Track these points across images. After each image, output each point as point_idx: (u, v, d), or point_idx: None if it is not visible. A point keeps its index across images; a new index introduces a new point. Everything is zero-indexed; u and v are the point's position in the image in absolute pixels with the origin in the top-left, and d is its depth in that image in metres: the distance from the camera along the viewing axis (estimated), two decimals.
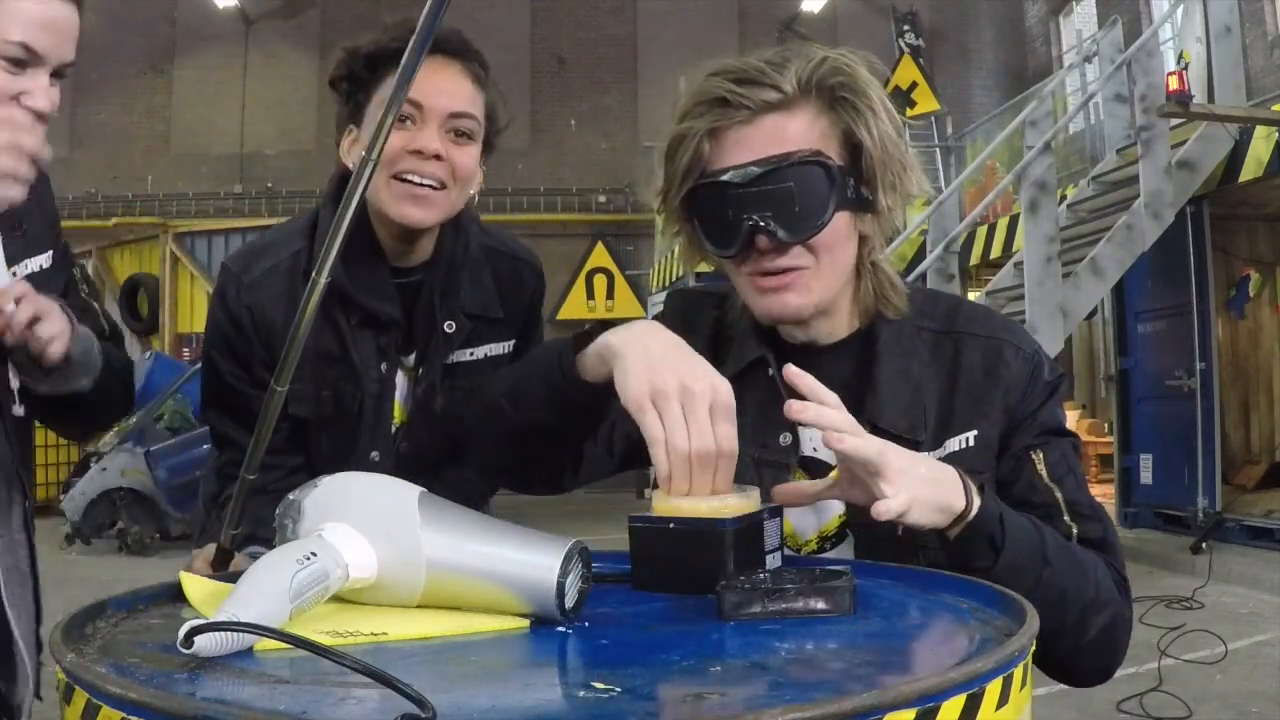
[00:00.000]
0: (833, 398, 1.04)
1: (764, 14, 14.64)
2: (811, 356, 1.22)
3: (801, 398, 1.03)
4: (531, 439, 1.21)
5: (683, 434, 0.99)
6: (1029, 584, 1.05)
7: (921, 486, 1.02)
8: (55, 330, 1.31)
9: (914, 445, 1.16)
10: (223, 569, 1.42)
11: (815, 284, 1.18)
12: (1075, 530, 1.17)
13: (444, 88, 1.49)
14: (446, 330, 1.60)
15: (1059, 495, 1.18)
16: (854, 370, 1.22)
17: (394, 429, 1.63)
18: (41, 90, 1.29)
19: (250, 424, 1.56)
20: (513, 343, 1.69)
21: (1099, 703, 4.09)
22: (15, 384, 1.39)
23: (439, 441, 1.65)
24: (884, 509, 0.99)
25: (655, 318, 1.35)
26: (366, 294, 1.55)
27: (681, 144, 1.16)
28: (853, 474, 1.05)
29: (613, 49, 14.81)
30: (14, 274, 1.39)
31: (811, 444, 1.23)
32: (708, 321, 1.31)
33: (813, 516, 1.23)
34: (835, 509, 1.22)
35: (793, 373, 1.04)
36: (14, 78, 1.27)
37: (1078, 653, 1.14)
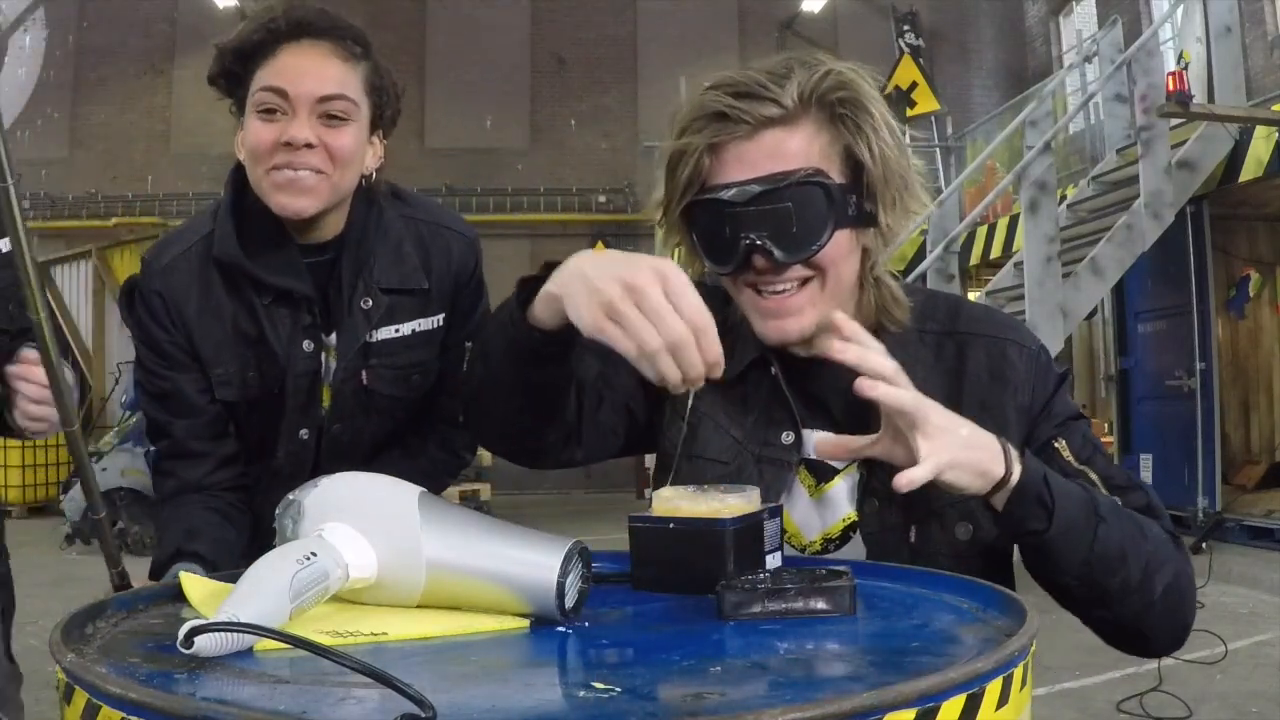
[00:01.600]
0: (876, 345, 1.05)
1: (764, 14, 14.62)
2: (814, 366, 1.22)
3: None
4: (507, 398, 1.19)
5: (649, 332, 0.95)
6: (1087, 542, 1.06)
7: (959, 449, 1.03)
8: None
9: None
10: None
11: (817, 302, 1.17)
12: (1119, 502, 1.17)
13: (310, 70, 1.45)
14: (363, 307, 1.56)
15: (1092, 475, 1.18)
16: (856, 380, 1.22)
17: (324, 410, 1.62)
18: None
19: (181, 412, 1.58)
20: (441, 317, 1.64)
21: (1099, 703, 4.09)
22: None
23: (373, 423, 1.65)
24: (907, 479, 1.00)
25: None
26: (273, 272, 1.53)
27: (681, 159, 1.16)
28: (895, 429, 1.05)
29: (613, 49, 14.80)
30: None
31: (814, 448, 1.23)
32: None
33: (817, 518, 1.22)
34: (841, 511, 1.21)
35: (839, 320, 1.07)
36: None
37: (1149, 612, 1.12)
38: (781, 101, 1.12)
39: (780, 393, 1.23)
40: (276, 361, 1.56)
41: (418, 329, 1.61)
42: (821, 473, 1.22)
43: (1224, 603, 5.79)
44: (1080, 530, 1.06)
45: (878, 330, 1.23)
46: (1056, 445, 1.19)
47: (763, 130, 1.13)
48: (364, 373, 1.60)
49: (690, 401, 1.26)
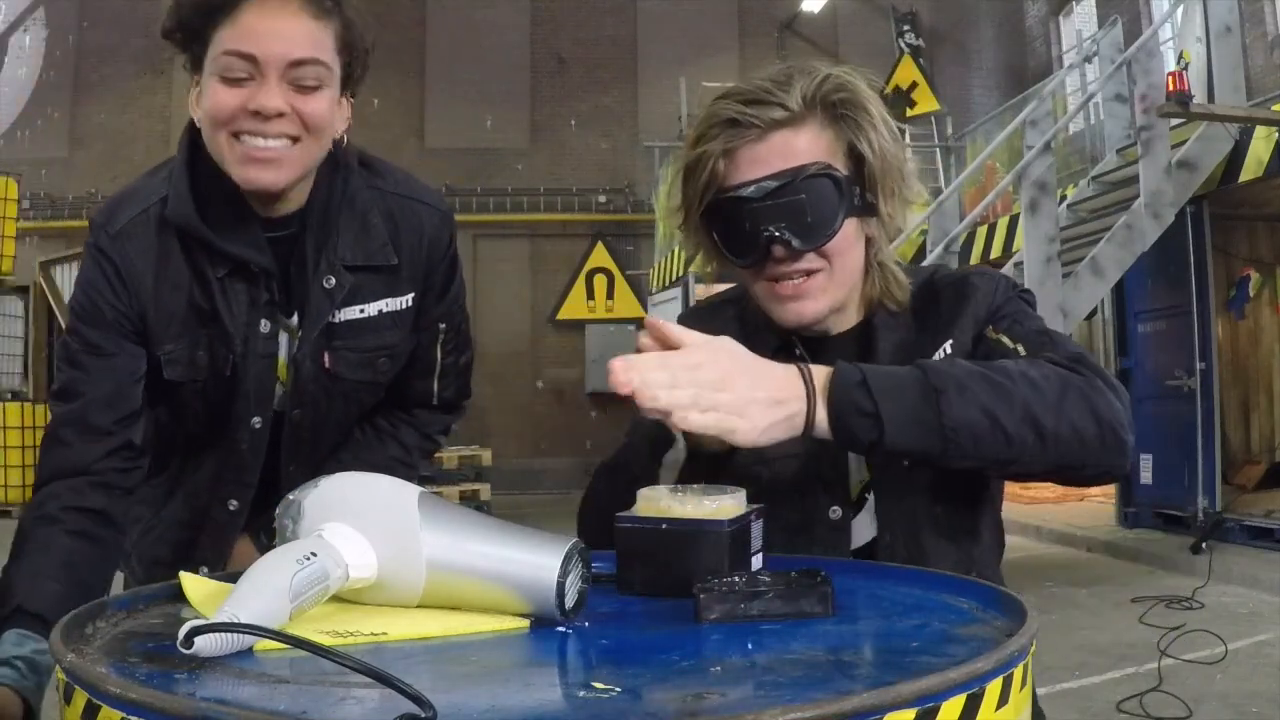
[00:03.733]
0: (683, 335, 1.02)
1: (764, 14, 14.62)
2: (823, 343, 1.32)
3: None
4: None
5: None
6: (934, 421, 1.05)
7: (762, 415, 1.02)
8: None
9: None
10: None
11: (829, 288, 1.26)
12: (1016, 348, 1.20)
13: (280, 32, 1.32)
14: (325, 286, 1.45)
15: (1005, 340, 1.21)
16: (857, 350, 1.29)
17: (282, 390, 1.51)
18: None
19: (101, 377, 1.40)
20: (411, 297, 1.53)
21: (1099, 703, 4.09)
22: None
23: (337, 409, 1.56)
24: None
25: None
26: (230, 241, 1.41)
27: (698, 165, 1.24)
28: None
29: (613, 49, 14.80)
30: None
31: None
32: (732, 327, 1.33)
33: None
34: (855, 476, 1.27)
35: (651, 323, 1.05)
36: None
37: (1066, 450, 1.09)
38: (788, 105, 1.22)
39: None
40: (229, 342, 1.44)
41: (384, 309, 1.51)
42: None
43: (1224, 603, 5.80)
44: (919, 414, 1.05)
45: (878, 307, 1.31)
46: (990, 335, 1.24)
47: (772, 132, 1.22)
48: (326, 355, 1.49)
49: None
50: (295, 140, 1.35)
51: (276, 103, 1.32)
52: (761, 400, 1.02)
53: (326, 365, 1.50)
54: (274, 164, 1.35)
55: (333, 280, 1.46)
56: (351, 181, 1.47)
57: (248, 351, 1.46)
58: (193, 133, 1.43)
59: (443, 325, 1.60)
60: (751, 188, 1.22)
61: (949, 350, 1.25)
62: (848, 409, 1.04)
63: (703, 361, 1.01)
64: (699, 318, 1.40)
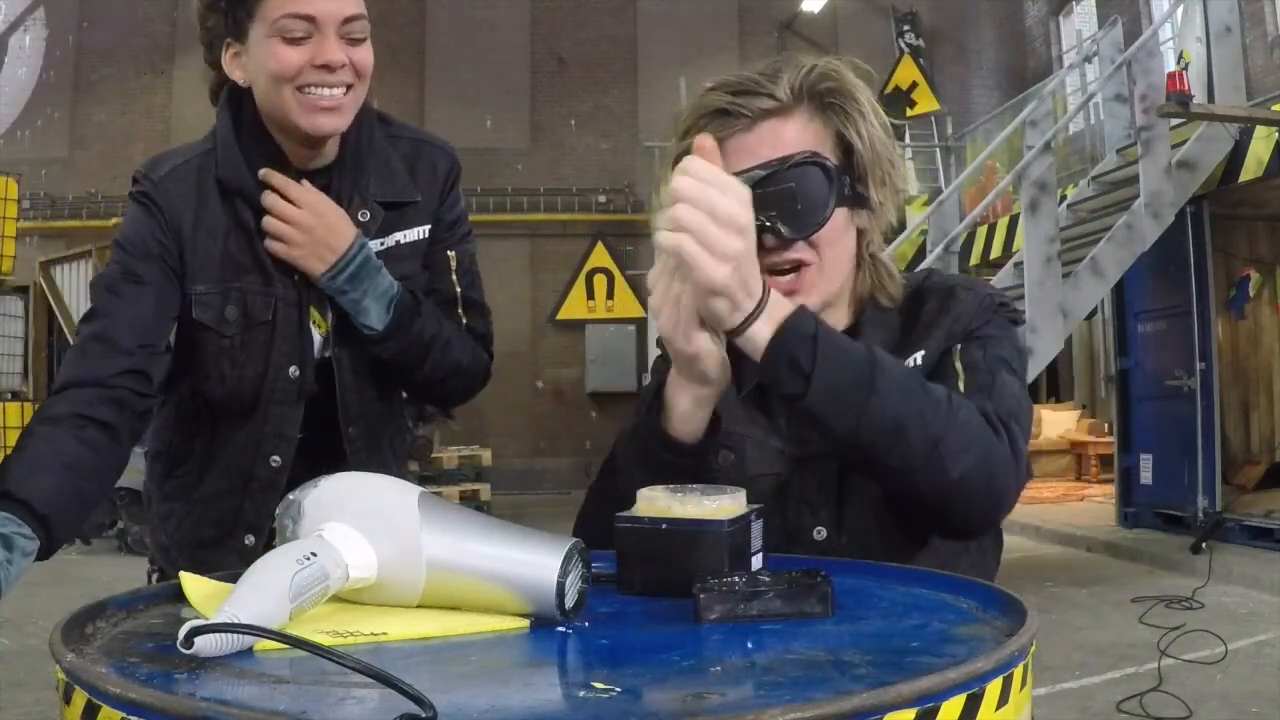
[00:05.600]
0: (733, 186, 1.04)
1: (764, 14, 14.61)
2: None
3: None
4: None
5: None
6: (853, 413, 1.06)
7: (724, 280, 1.03)
8: None
9: None
10: None
11: (819, 281, 1.24)
12: (963, 378, 1.20)
13: None
14: (361, 219, 1.57)
15: (958, 366, 1.22)
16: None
17: (323, 338, 1.60)
18: None
19: (132, 302, 1.48)
20: (427, 229, 1.66)
21: (1099, 702, 4.09)
22: None
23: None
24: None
25: (659, 358, 1.37)
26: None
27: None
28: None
29: (613, 49, 14.79)
30: None
31: None
32: None
33: None
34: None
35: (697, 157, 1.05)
36: None
37: (946, 492, 1.10)
38: (776, 95, 1.23)
39: None
40: (265, 290, 1.55)
41: (402, 240, 1.63)
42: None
43: (1224, 603, 5.80)
44: (845, 399, 1.06)
45: (868, 306, 1.30)
46: (953, 352, 1.23)
47: (760, 122, 1.23)
48: None
49: (724, 427, 1.26)
50: (349, 87, 1.50)
51: (340, 56, 1.47)
52: (730, 272, 1.03)
53: None
54: (337, 111, 1.50)
55: (367, 214, 1.59)
56: (375, 130, 1.62)
57: (295, 299, 1.56)
58: (234, 96, 1.56)
59: (451, 253, 1.70)
60: (741, 177, 1.18)
61: (918, 361, 1.23)
62: (785, 357, 1.05)
63: (728, 197, 1.03)
64: None
